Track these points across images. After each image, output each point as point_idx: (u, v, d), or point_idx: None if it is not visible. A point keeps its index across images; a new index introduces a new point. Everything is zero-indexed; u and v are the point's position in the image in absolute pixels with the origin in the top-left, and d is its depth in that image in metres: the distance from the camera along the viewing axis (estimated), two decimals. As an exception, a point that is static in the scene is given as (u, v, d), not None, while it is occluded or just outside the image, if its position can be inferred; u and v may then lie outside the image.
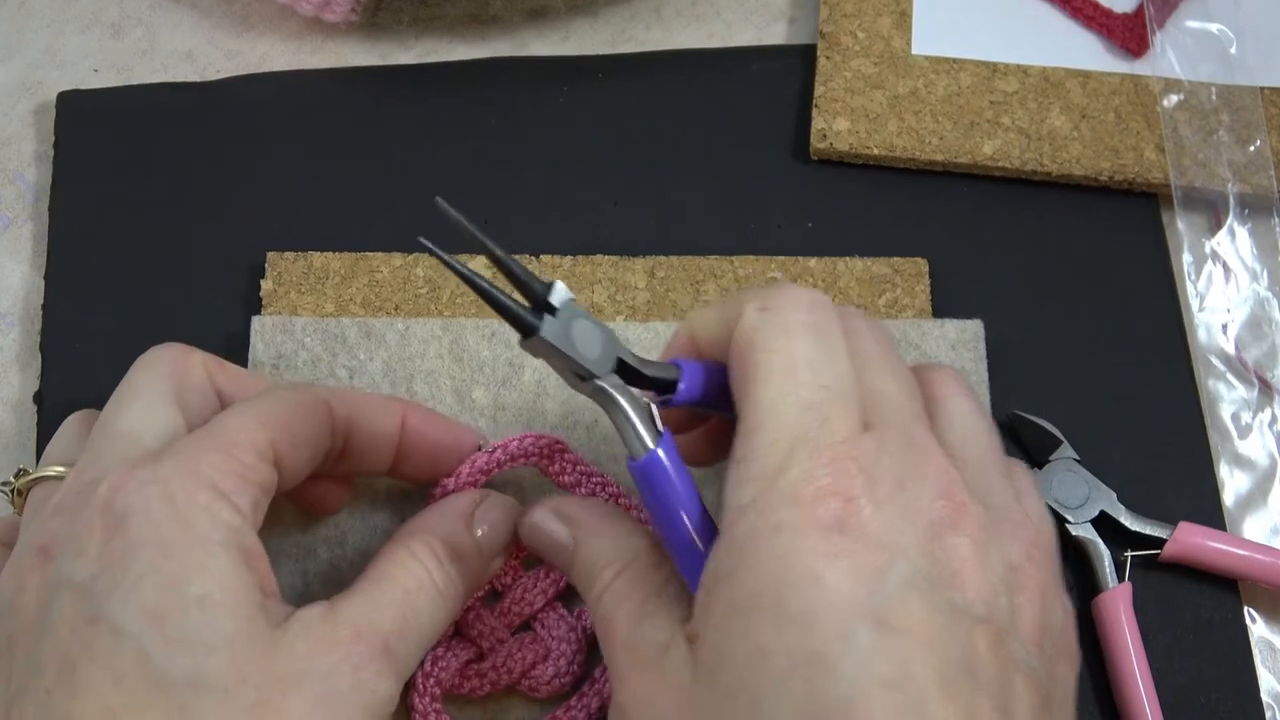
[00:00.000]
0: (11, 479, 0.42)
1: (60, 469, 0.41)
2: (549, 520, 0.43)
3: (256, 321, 0.50)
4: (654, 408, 0.39)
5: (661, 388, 0.39)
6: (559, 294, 0.38)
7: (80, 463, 0.39)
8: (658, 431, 0.38)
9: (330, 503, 0.46)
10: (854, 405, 0.36)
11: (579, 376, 0.39)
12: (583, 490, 0.47)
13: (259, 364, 0.50)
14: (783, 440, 0.35)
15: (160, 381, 0.41)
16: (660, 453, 0.38)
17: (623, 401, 0.38)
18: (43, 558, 0.37)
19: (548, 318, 0.38)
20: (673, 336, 0.42)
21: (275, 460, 0.39)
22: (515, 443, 0.46)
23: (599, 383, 0.38)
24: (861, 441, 0.35)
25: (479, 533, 0.43)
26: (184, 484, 0.37)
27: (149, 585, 0.35)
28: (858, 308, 0.52)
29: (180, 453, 0.38)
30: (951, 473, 0.36)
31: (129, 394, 0.41)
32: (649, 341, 0.50)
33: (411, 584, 0.40)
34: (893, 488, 0.35)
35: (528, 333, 0.38)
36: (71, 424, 0.44)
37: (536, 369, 0.50)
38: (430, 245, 0.38)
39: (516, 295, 0.39)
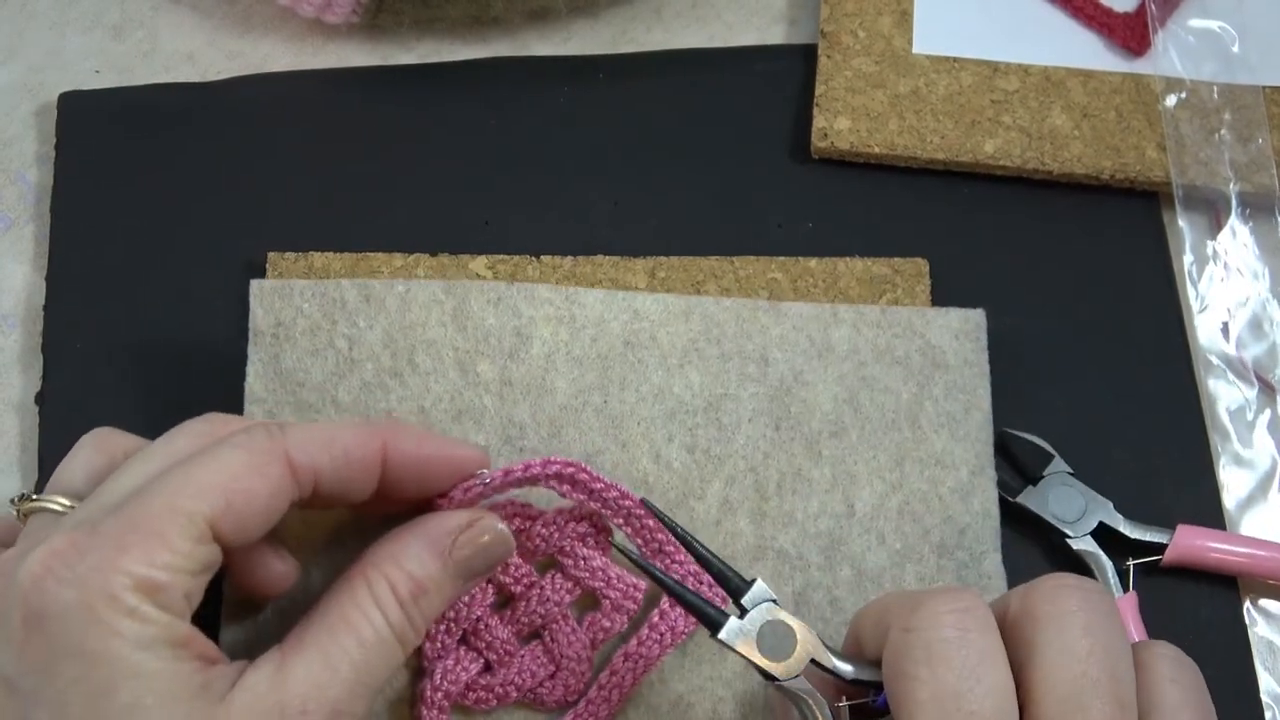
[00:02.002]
0: (15, 500, 0.42)
1: (63, 502, 0.40)
2: None
3: (255, 285, 0.49)
4: (845, 708, 0.39)
5: (869, 687, 0.40)
6: (755, 594, 0.40)
7: (72, 512, 0.39)
8: None
9: (276, 587, 0.44)
10: None
11: (763, 674, 0.40)
12: (603, 509, 0.46)
13: (259, 333, 0.49)
14: None
15: (172, 455, 0.39)
16: None
17: (800, 708, 0.39)
18: None
19: (732, 620, 0.40)
20: (845, 636, 0.42)
21: (216, 536, 0.37)
22: (519, 470, 0.44)
23: (780, 683, 0.39)
24: None
25: (458, 557, 0.41)
26: (104, 585, 0.35)
27: (75, 696, 0.35)
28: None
29: (105, 541, 0.36)
30: None
31: (138, 459, 0.40)
32: (658, 315, 0.50)
33: (368, 635, 0.39)
34: None
35: (712, 631, 0.40)
36: (85, 447, 0.43)
37: (545, 340, 0.49)
38: (628, 551, 0.43)
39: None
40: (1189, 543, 0.48)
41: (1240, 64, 0.56)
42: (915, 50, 0.57)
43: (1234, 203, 0.54)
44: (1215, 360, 0.53)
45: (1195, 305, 0.54)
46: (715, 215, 0.55)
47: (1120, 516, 0.49)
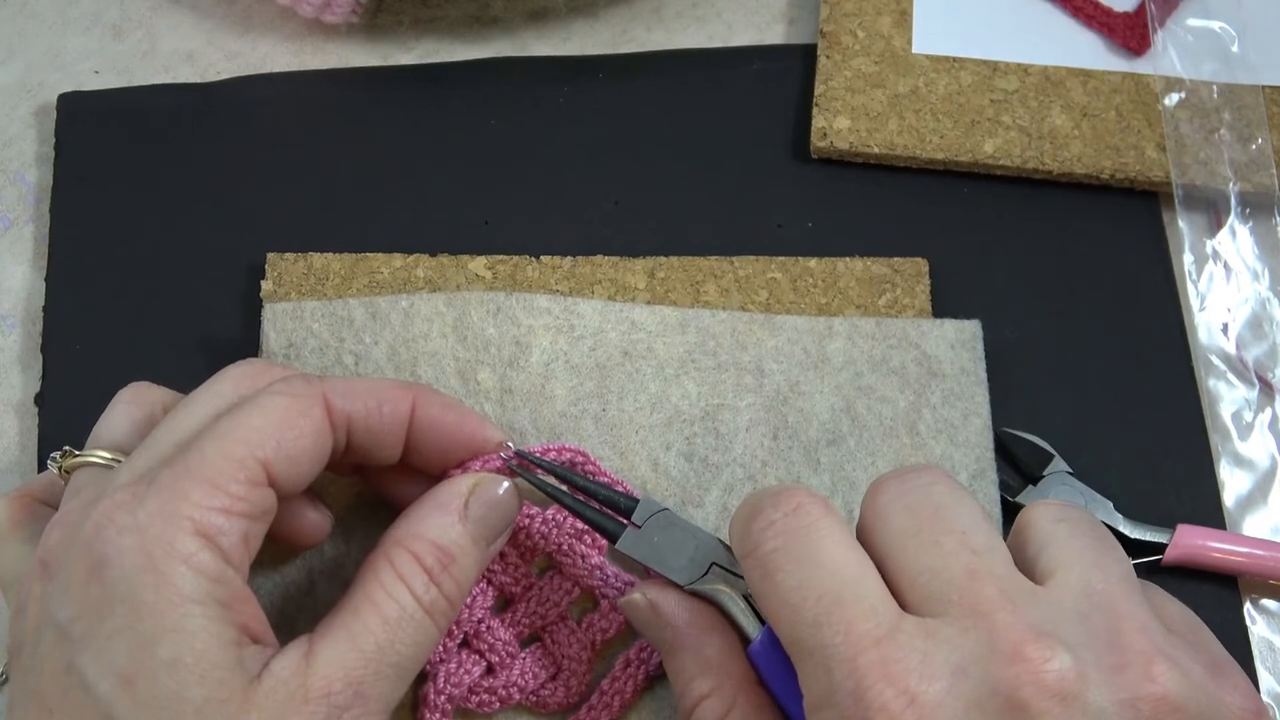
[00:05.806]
0: (58, 456, 0.42)
1: (105, 455, 0.41)
2: (647, 614, 0.42)
3: (269, 309, 0.50)
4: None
5: None
6: (643, 509, 0.42)
7: (125, 462, 0.39)
8: (759, 622, 0.39)
9: (311, 537, 0.44)
10: (882, 597, 0.36)
11: (669, 581, 0.41)
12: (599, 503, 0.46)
13: (271, 354, 0.49)
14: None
15: (218, 399, 0.40)
16: (758, 644, 0.39)
17: (719, 600, 0.40)
18: (43, 572, 0.37)
19: (629, 530, 0.40)
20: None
21: (270, 479, 0.38)
22: (536, 451, 0.45)
23: (690, 586, 0.41)
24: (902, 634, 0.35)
25: (474, 516, 0.41)
26: (163, 532, 0.36)
27: (120, 645, 0.35)
28: (860, 311, 0.52)
29: (164, 490, 0.37)
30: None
31: (185, 407, 0.40)
32: (655, 326, 0.50)
33: (393, 613, 0.39)
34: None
35: (611, 541, 0.42)
36: (122, 401, 0.43)
37: (544, 349, 0.49)
38: (532, 479, 0.43)
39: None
40: (1189, 542, 0.48)
41: (1240, 63, 0.56)
42: (915, 50, 0.57)
43: (1234, 202, 0.54)
44: (1215, 360, 0.53)
45: (1195, 305, 0.54)
46: (715, 215, 0.55)
47: (1120, 516, 0.49)
